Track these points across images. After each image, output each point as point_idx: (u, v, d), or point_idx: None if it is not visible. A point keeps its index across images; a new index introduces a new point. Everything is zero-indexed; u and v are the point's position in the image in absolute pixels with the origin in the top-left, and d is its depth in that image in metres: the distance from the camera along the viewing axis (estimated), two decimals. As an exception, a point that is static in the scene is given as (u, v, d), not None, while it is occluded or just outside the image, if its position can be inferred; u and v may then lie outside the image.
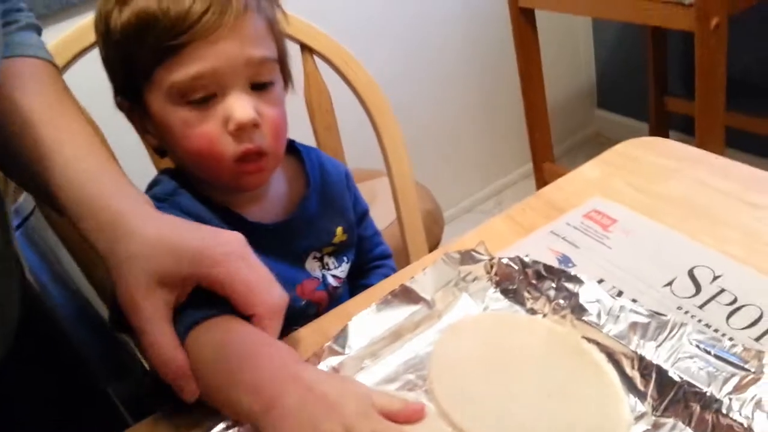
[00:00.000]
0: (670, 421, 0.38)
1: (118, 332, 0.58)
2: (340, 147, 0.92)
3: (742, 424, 0.35)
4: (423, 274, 0.51)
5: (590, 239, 0.55)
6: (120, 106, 0.64)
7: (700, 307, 0.46)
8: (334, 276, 0.72)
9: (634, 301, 0.47)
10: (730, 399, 0.36)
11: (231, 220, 0.64)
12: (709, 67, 1.25)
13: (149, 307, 0.44)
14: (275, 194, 0.67)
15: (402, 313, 0.50)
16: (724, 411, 0.36)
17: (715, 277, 0.49)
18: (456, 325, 0.49)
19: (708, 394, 0.37)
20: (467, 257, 0.52)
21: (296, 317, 0.64)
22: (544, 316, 0.48)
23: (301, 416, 0.39)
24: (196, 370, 0.45)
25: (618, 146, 0.68)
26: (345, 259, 0.74)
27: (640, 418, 0.39)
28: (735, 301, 0.46)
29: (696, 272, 0.49)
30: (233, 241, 0.48)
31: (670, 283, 0.49)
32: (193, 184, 0.65)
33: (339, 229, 0.73)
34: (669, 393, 0.39)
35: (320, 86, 0.88)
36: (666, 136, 2.04)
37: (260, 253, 0.53)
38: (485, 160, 2.11)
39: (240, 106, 0.56)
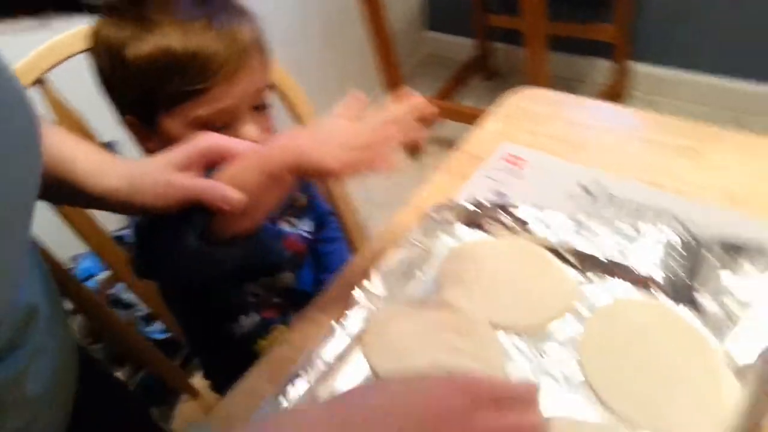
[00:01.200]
0: (598, 277, 0.63)
1: (141, 277, 0.71)
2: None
3: (641, 275, 0.61)
4: (416, 229, 0.71)
5: (512, 177, 0.78)
6: (129, 123, 0.71)
7: (595, 206, 0.72)
8: (306, 231, 0.89)
9: (542, 210, 0.70)
10: (632, 261, 0.62)
11: None
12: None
13: (181, 175, 0.59)
14: None
15: (405, 258, 0.70)
16: (631, 268, 0.62)
17: (600, 185, 0.74)
18: (453, 256, 0.70)
19: (622, 262, 0.62)
20: (441, 209, 0.73)
21: (284, 266, 0.83)
22: (503, 237, 0.71)
23: None
24: None
25: (504, 100, 0.91)
26: (308, 218, 0.91)
27: (582, 281, 0.64)
28: (614, 198, 0.72)
29: (587, 186, 0.74)
30: None
31: (572, 196, 0.74)
32: None
33: (300, 195, 0.89)
34: (597, 266, 0.64)
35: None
36: (492, 50, 2.34)
37: None
38: (333, 91, 2.28)
39: (251, 130, 0.70)
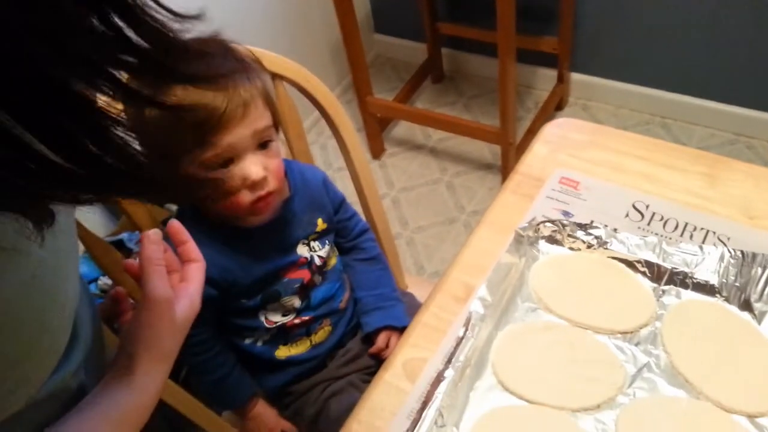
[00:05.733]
0: (670, 287, 0.81)
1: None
2: (308, 150, 1.17)
3: (699, 282, 0.79)
4: (509, 246, 0.85)
5: (572, 197, 0.94)
6: None
7: (648, 224, 0.89)
8: (319, 256, 1.00)
9: (615, 230, 0.87)
10: (694, 270, 0.80)
11: (234, 232, 0.89)
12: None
13: None
14: None
15: (506, 267, 0.83)
16: (693, 276, 0.79)
17: (647, 206, 0.91)
18: (544, 264, 0.84)
19: (686, 270, 0.80)
20: (526, 228, 0.87)
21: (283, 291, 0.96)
22: (581, 250, 0.86)
23: None
24: None
25: (546, 129, 1.06)
26: (326, 241, 1.01)
27: (655, 292, 0.81)
28: (663, 218, 0.89)
29: (636, 206, 0.92)
30: None
31: (627, 215, 0.91)
32: (197, 217, 0.88)
33: (319, 220, 1.00)
34: (665, 275, 0.81)
35: (290, 104, 1.11)
36: (440, 54, 2.50)
37: (258, 248, 0.88)
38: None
39: (254, 168, 0.79)
